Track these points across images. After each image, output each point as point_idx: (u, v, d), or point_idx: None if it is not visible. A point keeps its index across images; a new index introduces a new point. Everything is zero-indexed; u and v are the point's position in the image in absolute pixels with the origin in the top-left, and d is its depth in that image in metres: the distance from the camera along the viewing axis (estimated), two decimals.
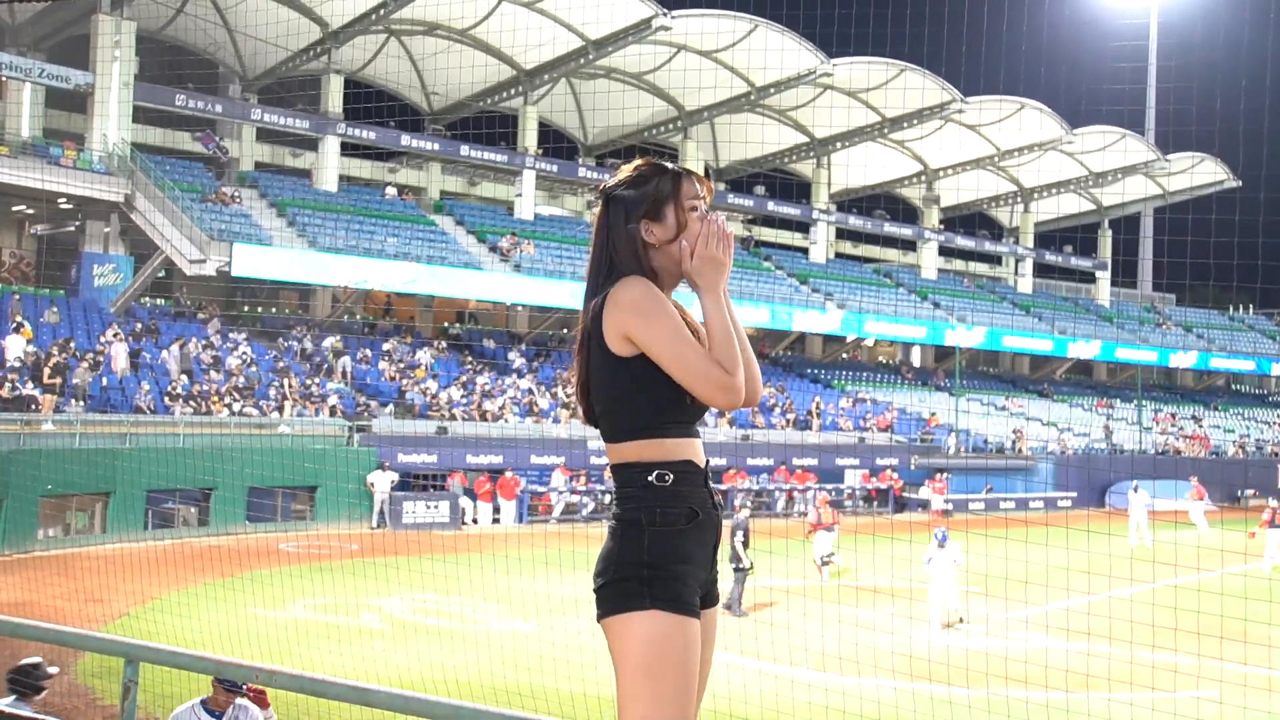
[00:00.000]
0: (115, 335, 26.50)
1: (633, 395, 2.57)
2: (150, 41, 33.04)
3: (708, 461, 2.67)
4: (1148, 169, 48.34)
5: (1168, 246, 54.51)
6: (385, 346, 31.82)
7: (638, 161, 2.76)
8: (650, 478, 2.57)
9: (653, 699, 2.47)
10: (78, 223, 30.79)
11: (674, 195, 2.67)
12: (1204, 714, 10.78)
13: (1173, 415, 48.02)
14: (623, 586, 2.53)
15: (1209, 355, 50.98)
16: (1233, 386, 56.71)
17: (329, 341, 30.69)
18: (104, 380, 24.56)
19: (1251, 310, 58.72)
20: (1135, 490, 27.13)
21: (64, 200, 29.61)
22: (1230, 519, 30.02)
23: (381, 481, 24.54)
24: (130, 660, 4.39)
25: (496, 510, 26.41)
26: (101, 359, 25.36)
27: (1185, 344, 51.31)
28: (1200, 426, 47.41)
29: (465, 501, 26.19)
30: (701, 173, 2.80)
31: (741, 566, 15.92)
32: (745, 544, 16.10)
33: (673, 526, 2.56)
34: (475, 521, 25.96)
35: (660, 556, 2.54)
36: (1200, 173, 50.52)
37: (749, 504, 21.26)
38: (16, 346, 24.12)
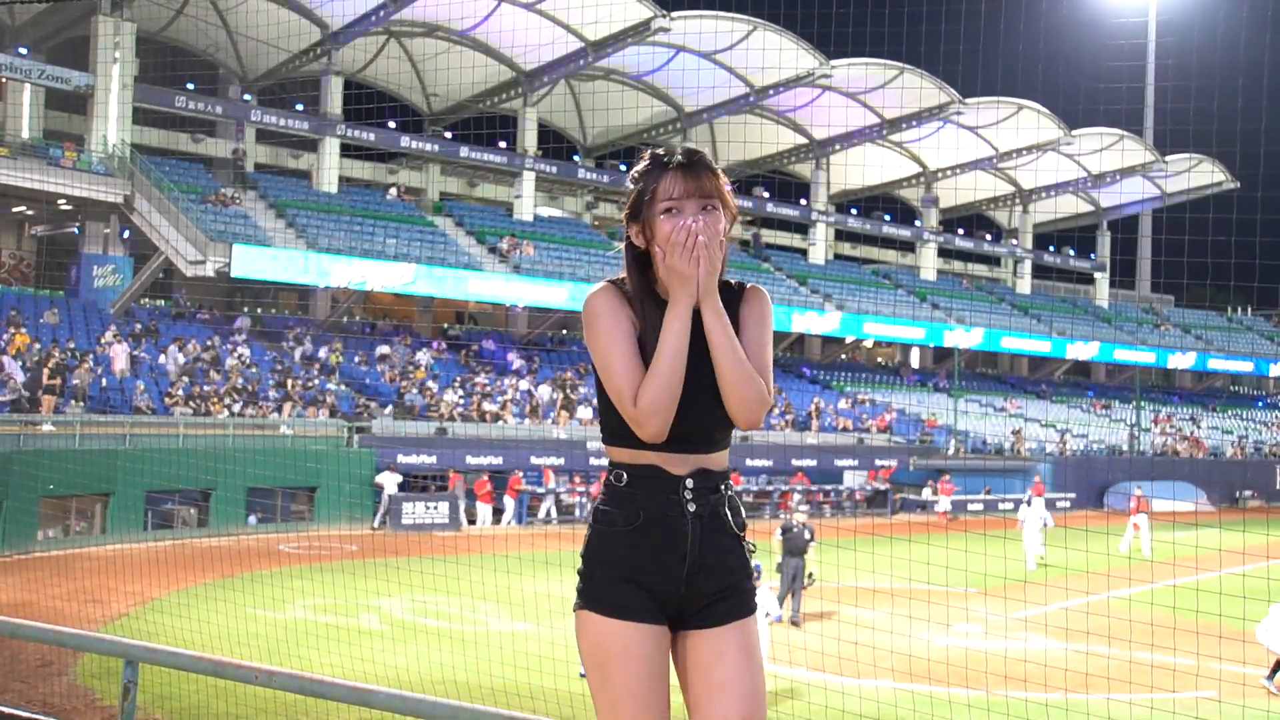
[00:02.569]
0: (115, 336, 26.50)
1: (604, 401, 2.52)
2: (150, 43, 33.04)
3: (702, 470, 2.51)
4: (1146, 170, 48.38)
5: (1166, 247, 54.57)
6: (383, 350, 31.82)
7: (648, 152, 2.57)
8: (610, 477, 2.55)
9: (596, 695, 2.51)
10: (77, 224, 30.81)
11: (651, 194, 2.46)
12: (1204, 714, 10.78)
13: (1169, 417, 48.04)
14: (577, 584, 2.57)
15: (1207, 356, 51.01)
16: (1231, 388, 56.75)
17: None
18: (104, 381, 24.57)
19: (1250, 311, 58.78)
20: (1029, 504, 23.06)
21: (64, 201, 29.61)
22: (1228, 520, 30.02)
23: (389, 483, 24.63)
24: (130, 661, 4.40)
25: (498, 512, 26.42)
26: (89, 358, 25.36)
27: (1184, 345, 51.34)
28: (1198, 428, 47.42)
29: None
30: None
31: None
32: (789, 550, 15.16)
33: (610, 527, 2.51)
34: (473, 523, 25.95)
35: (593, 556, 2.53)
36: (1199, 174, 50.55)
37: (800, 508, 20.23)
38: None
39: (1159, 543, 23.73)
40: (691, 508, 2.50)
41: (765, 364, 2.50)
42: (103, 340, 26.37)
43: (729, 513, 2.54)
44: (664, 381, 2.40)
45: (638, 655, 2.46)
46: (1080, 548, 19.21)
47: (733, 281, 2.58)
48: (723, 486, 2.54)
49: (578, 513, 27.18)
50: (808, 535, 15.34)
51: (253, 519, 23.14)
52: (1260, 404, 55.15)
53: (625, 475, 2.51)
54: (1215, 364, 51.50)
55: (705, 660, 2.51)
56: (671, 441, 2.45)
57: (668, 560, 2.49)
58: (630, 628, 2.47)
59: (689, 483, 2.50)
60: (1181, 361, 50.36)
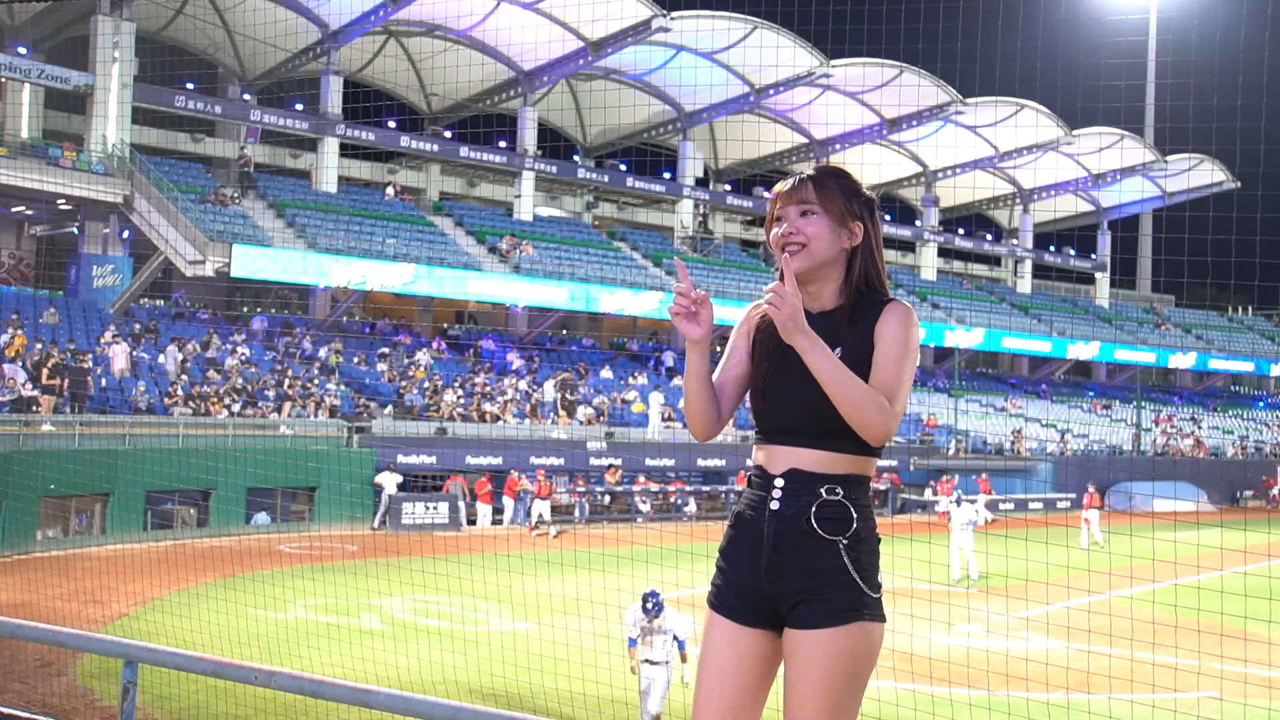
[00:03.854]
0: (114, 336, 26.49)
1: None
2: (150, 42, 33.04)
3: (795, 470, 2.60)
4: (1146, 170, 48.38)
5: (1166, 247, 54.61)
6: (381, 351, 31.81)
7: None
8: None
9: None
10: (77, 224, 30.80)
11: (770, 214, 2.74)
12: (1204, 714, 10.77)
13: (1170, 417, 48.03)
14: None
15: (1208, 356, 51.00)
16: (1232, 388, 56.73)
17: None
18: (103, 381, 24.55)
19: (1250, 311, 58.77)
20: (957, 504, 20.43)
21: (63, 201, 29.60)
22: (1229, 519, 30.00)
23: (389, 483, 24.62)
24: (129, 661, 4.38)
25: (498, 511, 26.39)
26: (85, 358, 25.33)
27: (1184, 345, 51.33)
28: (1199, 428, 47.40)
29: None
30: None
31: None
32: None
33: (729, 526, 2.72)
34: (473, 523, 25.93)
35: (718, 551, 2.74)
36: (1199, 173, 50.55)
37: None
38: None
39: (1159, 541, 23.68)
40: (774, 505, 2.60)
41: (891, 380, 2.56)
42: (102, 340, 26.36)
43: (819, 515, 2.57)
44: (685, 394, 2.69)
45: (719, 647, 2.64)
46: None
47: (881, 295, 2.67)
48: (824, 490, 2.58)
49: (576, 514, 27.19)
50: None
51: (264, 517, 23.13)
52: (1261, 404, 55.14)
53: (748, 477, 2.73)
54: (1216, 364, 51.48)
55: (785, 657, 2.64)
56: (769, 436, 2.67)
57: (750, 555, 2.64)
58: (717, 619, 2.67)
59: (779, 481, 2.62)
60: (1182, 361, 50.34)
